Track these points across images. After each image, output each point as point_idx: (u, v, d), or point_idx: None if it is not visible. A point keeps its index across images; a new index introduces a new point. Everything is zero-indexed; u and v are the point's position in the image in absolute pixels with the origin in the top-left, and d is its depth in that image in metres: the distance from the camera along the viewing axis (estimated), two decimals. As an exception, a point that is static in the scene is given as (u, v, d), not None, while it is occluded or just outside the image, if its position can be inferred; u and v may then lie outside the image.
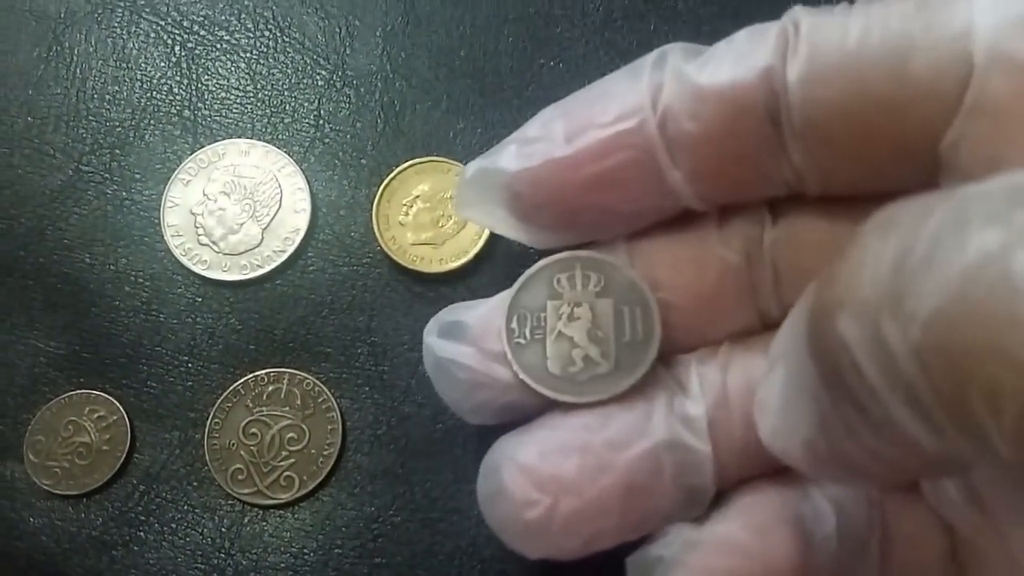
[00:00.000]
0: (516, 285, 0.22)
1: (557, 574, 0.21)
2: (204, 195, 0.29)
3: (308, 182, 0.29)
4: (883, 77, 0.17)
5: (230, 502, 0.27)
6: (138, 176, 0.30)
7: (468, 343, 0.21)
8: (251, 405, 0.27)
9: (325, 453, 0.27)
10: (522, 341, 0.21)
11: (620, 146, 0.19)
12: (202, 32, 0.31)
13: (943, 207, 0.11)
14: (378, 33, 0.31)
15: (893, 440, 0.12)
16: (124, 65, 0.31)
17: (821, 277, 0.13)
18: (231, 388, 0.27)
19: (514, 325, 0.21)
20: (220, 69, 0.31)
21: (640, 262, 0.21)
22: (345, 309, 0.28)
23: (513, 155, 0.20)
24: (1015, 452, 0.10)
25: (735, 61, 0.18)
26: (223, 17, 0.32)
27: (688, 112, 0.18)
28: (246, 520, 0.27)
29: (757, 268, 0.20)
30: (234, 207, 0.29)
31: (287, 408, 0.27)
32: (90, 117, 0.31)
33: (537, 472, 0.19)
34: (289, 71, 0.31)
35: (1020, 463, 0.10)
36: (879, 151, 0.18)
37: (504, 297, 0.22)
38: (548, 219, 0.21)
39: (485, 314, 0.22)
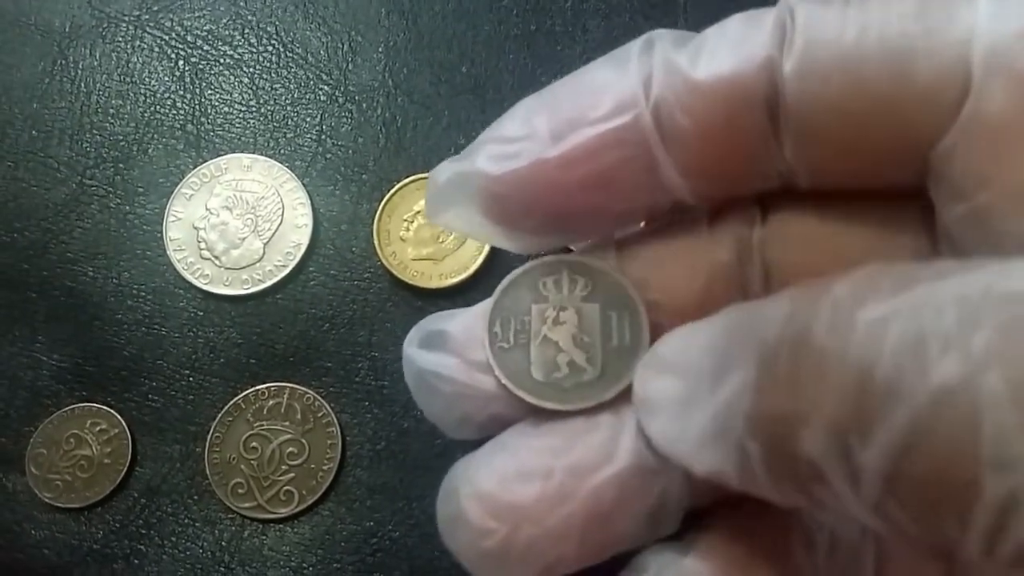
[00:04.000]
0: (500, 288, 0.20)
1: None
2: (206, 209, 0.30)
3: (310, 197, 0.29)
4: (881, 78, 0.16)
5: (230, 516, 0.27)
6: (141, 190, 0.30)
7: (451, 353, 0.20)
8: (252, 419, 0.27)
9: (325, 468, 0.27)
10: (505, 345, 0.20)
11: (614, 143, 0.18)
12: (206, 47, 0.32)
13: (900, 316, 0.12)
14: (380, 49, 0.31)
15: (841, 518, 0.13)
16: (128, 79, 0.31)
17: (767, 377, 0.13)
18: (232, 402, 0.28)
19: (497, 329, 0.20)
20: (223, 84, 0.31)
21: (629, 263, 0.20)
22: (346, 324, 0.28)
23: (492, 156, 0.19)
24: (985, 556, 0.11)
25: (731, 51, 0.17)
26: (227, 32, 0.32)
27: (682, 105, 0.17)
28: (246, 534, 0.27)
29: (748, 266, 0.20)
30: (236, 221, 0.29)
31: (287, 422, 0.27)
32: (94, 131, 0.31)
33: (495, 500, 0.18)
34: (292, 86, 0.31)
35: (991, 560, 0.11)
36: (872, 151, 0.17)
37: (487, 303, 0.21)
38: (534, 223, 0.20)
39: (468, 322, 0.21)
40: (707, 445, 0.15)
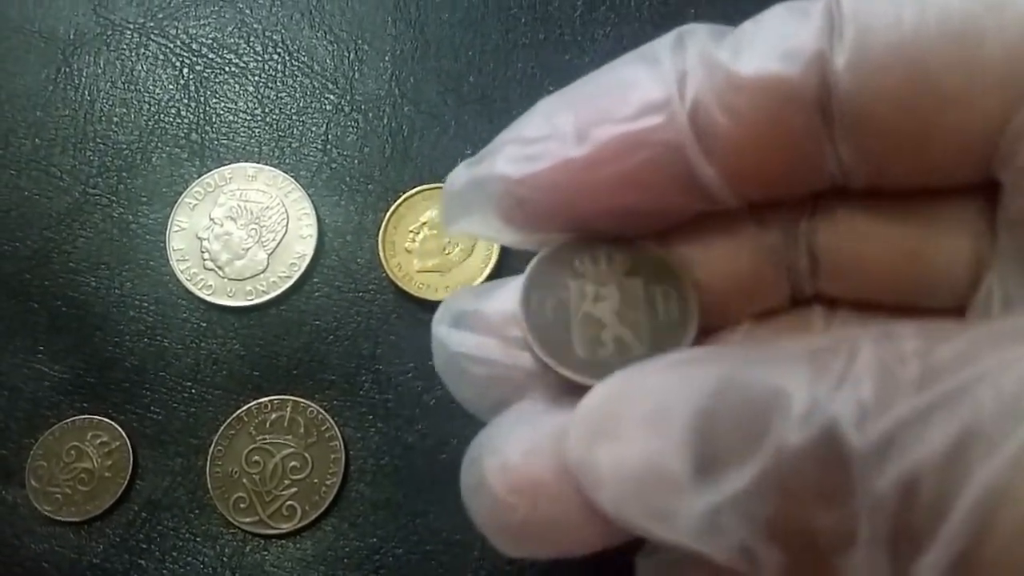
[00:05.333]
0: (531, 265, 0.19)
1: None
2: (210, 219, 0.29)
3: (315, 207, 0.29)
4: (948, 64, 0.15)
5: (231, 531, 0.27)
6: (144, 199, 0.30)
7: (487, 332, 0.19)
8: (254, 433, 0.27)
9: (328, 483, 0.26)
10: (543, 323, 0.18)
11: (645, 143, 0.17)
12: (211, 55, 0.31)
13: (935, 415, 0.11)
14: (387, 58, 0.31)
15: None
16: (132, 87, 0.31)
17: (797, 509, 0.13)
18: (234, 415, 0.27)
19: (533, 305, 0.18)
20: (228, 92, 0.31)
21: (670, 243, 0.19)
22: (350, 336, 0.28)
23: (512, 158, 0.18)
24: None
25: (776, 45, 0.16)
26: (232, 40, 0.31)
27: (724, 105, 0.16)
28: (247, 549, 0.26)
29: (794, 250, 0.19)
30: (240, 232, 0.29)
31: (290, 436, 0.27)
32: (97, 139, 0.31)
33: (517, 473, 0.17)
34: (297, 95, 0.31)
35: None
36: (939, 142, 0.16)
37: (518, 280, 0.19)
38: (558, 226, 0.19)
39: (502, 299, 0.19)
40: (692, 536, 0.14)
